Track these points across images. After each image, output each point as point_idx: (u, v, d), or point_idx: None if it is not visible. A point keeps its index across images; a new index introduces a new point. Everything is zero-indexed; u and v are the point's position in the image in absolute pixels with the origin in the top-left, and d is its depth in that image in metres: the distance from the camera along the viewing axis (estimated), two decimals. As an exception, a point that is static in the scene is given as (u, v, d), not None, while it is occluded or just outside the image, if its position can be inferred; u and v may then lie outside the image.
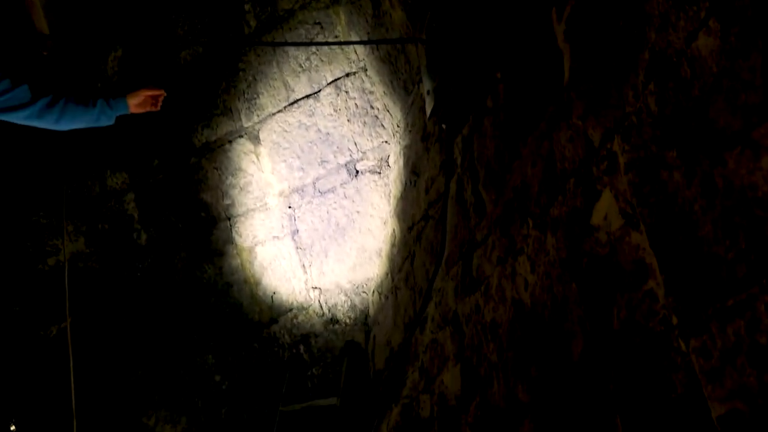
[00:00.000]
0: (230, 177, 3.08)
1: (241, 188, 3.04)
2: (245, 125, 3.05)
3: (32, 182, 3.47)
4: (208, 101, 3.15)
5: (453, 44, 1.79)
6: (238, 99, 3.07)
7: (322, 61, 2.83)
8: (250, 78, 3.03)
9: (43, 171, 3.45)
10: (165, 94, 2.58)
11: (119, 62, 3.39)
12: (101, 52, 3.33)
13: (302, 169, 2.86)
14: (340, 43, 2.58)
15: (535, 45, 1.37)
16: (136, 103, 2.53)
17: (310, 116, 2.84)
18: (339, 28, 2.80)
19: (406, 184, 2.38)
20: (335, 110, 2.78)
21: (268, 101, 2.98)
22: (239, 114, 3.07)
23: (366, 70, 2.66)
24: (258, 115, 3.01)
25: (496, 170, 1.53)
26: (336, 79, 2.79)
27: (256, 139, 3.02)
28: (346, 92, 2.75)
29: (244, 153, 3.04)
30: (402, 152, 2.47)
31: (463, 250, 1.67)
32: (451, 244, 1.79)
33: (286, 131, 2.92)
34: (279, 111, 2.95)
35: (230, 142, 3.09)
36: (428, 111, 1.85)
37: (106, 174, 3.44)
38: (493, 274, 1.46)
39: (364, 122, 2.69)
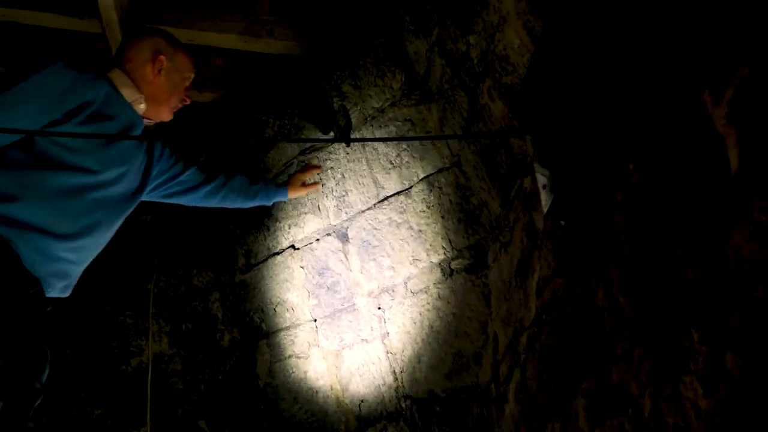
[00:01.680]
0: (317, 276, 2.99)
1: (328, 288, 2.93)
2: (333, 223, 2.99)
3: (121, 280, 3.48)
4: (297, 199, 3.12)
5: (570, 134, 1.66)
6: (327, 197, 3.03)
7: (413, 157, 2.76)
8: (339, 176, 2.99)
9: (131, 269, 3.47)
10: (320, 184, 2.89)
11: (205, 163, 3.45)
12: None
13: (393, 268, 2.72)
14: (438, 137, 2.50)
15: (679, 131, 1.22)
16: (294, 193, 2.87)
17: (401, 213, 2.75)
18: (431, 123, 2.75)
19: (510, 284, 2.19)
20: (428, 207, 2.67)
21: (357, 199, 2.92)
22: (327, 212, 3.01)
23: (460, 165, 2.57)
24: (347, 213, 2.94)
25: (634, 272, 1.34)
26: (428, 175, 2.70)
27: (344, 237, 2.94)
28: (440, 188, 2.65)
29: (332, 251, 2.96)
30: (503, 250, 2.30)
31: (596, 362, 1.46)
32: (577, 354, 1.58)
33: (375, 229, 2.82)
34: (368, 208, 2.87)
35: (317, 240, 3.02)
36: (544, 207, 1.70)
37: (192, 272, 3.42)
38: (644, 394, 1.24)
39: (459, 218, 2.56)
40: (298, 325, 3.00)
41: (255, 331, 3.15)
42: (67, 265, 1.88)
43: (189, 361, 3.23)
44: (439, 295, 2.57)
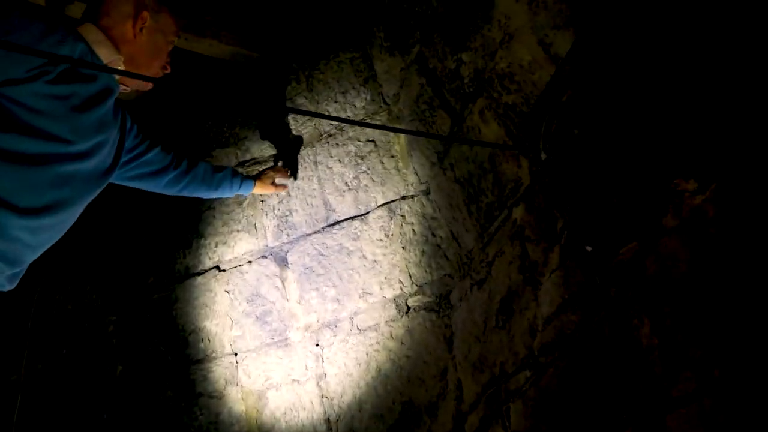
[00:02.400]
0: (244, 303, 2.60)
1: (257, 317, 2.55)
2: (271, 245, 2.64)
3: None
4: (229, 215, 2.75)
5: (602, 156, 1.50)
6: (266, 215, 2.69)
7: (373, 180, 2.52)
8: (284, 193, 2.67)
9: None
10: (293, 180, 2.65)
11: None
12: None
13: (338, 300, 2.41)
14: (423, 134, 2.27)
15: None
16: (262, 189, 2.54)
17: (354, 240, 2.47)
18: (397, 147, 2.53)
19: (485, 325, 1.96)
20: (386, 235, 2.42)
21: (302, 220, 2.61)
22: (265, 232, 2.67)
23: (428, 193, 2.35)
24: (288, 235, 2.62)
25: (700, 305, 1.16)
26: (389, 202, 2.46)
27: (283, 262, 2.60)
28: (402, 216, 2.41)
29: (266, 276, 2.60)
30: (474, 288, 2.08)
31: (637, 410, 1.25)
32: (600, 400, 1.36)
33: (322, 255, 2.51)
34: (315, 232, 2.56)
35: (250, 262, 2.65)
36: (563, 238, 1.52)
37: (86, 287, 2.90)
38: (725, 448, 1.03)
39: (422, 251, 2.32)
40: (214, 358, 2.57)
41: (158, 361, 2.66)
42: (21, 248, 1.52)
43: (69, 392, 2.67)
44: (391, 335, 2.29)
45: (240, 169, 2.80)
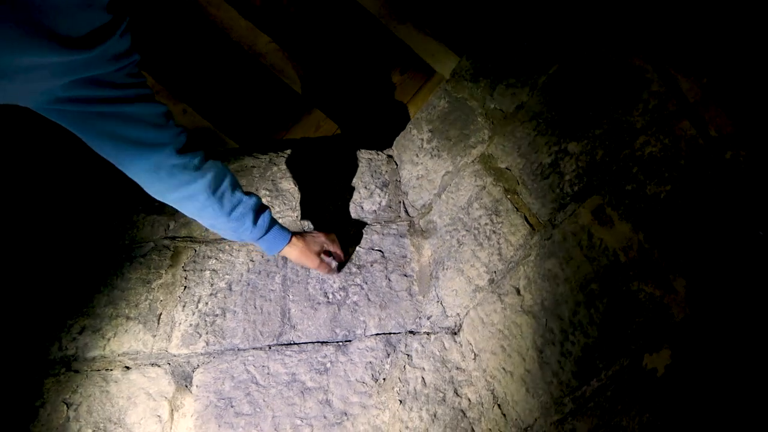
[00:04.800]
0: (90, 431, 1.47)
1: (102, 462, 1.41)
2: (174, 351, 1.62)
3: None
4: (124, 291, 1.75)
5: None
6: (183, 307, 1.71)
7: (368, 300, 1.67)
8: (222, 284, 1.75)
9: None
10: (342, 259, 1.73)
11: None
12: None
13: (262, 465, 1.37)
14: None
15: None
16: (301, 253, 1.60)
17: (319, 374, 1.52)
18: (414, 265, 1.76)
19: None
20: (375, 379, 1.49)
21: (239, 327, 1.65)
22: (171, 329, 1.66)
23: (457, 332, 1.53)
24: (208, 343, 1.62)
25: None
26: (389, 333, 1.59)
27: (184, 380, 1.56)
28: (407, 356, 1.52)
29: (147, 396, 1.52)
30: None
31: None
32: None
33: (257, 384, 1.52)
34: (256, 348, 1.60)
35: (127, 368, 1.59)
36: None
37: None
38: None
39: (434, 415, 1.41)
40: None
41: None
42: None
43: None
44: None
45: (169, 243, 1.89)
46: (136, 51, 1.07)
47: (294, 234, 1.56)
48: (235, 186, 1.39)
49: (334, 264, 1.67)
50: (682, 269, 1.15)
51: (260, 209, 1.47)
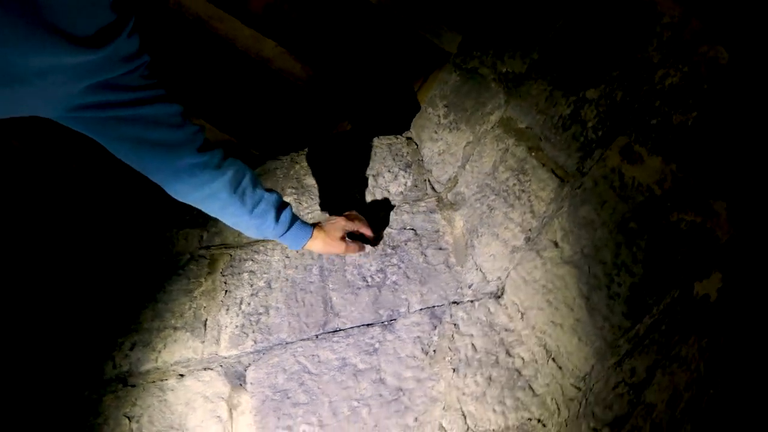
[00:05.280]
0: (153, 441, 1.49)
1: (169, 468, 1.43)
2: (224, 354, 1.64)
3: None
4: (168, 303, 1.78)
5: None
6: (227, 310, 1.73)
7: (407, 277, 1.67)
8: (262, 283, 1.77)
9: None
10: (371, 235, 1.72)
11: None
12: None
13: (327, 451, 1.38)
14: None
15: None
16: (324, 243, 1.59)
17: (369, 354, 1.52)
18: (448, 238, 1.75)
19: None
20: (425, 352, 1.49)
21: (284, 322, 1.66)
22: (219, 334, 1.68)
23: (500, 294, 1.52)
24: (256, 342, 1.64)
25: None
26: (432, 307, 1.58)
27: (238, 379, 1.57)
28: (454, 325, 1.52)
29: (205, 399, 1.54)
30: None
31: None
32: None
33: (309, 373, 1.52)
34: (304, 339, 1.61)
35: (182, 376, 1.61)
36: None
37: None
38: None
39: (489, 378, 1.39)
40: None
41: None
42: None
43: None
44: None
45: (204, 252, 1.92)
46: (145, 52, 1.09)
47: (314, 226, 1.56)
48: (256, 183, 1.40)
49: (363, 247, 1.67)
50: (720, 192, 1.13)
51: (282, 206, 1.47)
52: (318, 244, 1.55)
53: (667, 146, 1.26)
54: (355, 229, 1.65)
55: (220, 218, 1.38)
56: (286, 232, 1.47)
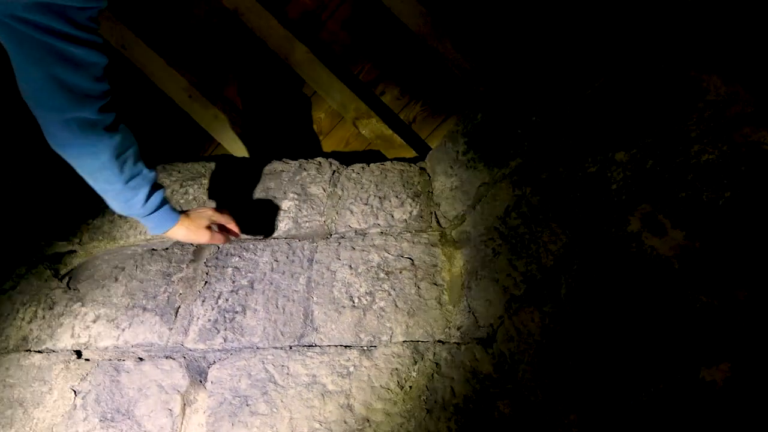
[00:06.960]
0: (95, 420, 1.39)
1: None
2: (189, 345, 1.54)
3: None
4: (143, 282, 1.69)
5: None
6: (202, 302, 1.64)
7: (396, 306, 1.60)
8: (244, 282, 1.69)
9: None
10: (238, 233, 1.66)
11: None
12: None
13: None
14: None
15: None
16: (187, 232, 1.50)
17: (341, 377, 1.43)
18: (445, 275, 1.69)
19: None
20: (400, 386, 1.41)
21: (260, 326, 1.58)
22: (188, 324, 1.59)
23: (491, 343, 1.45)
24: (225, 340, 1.55)
25: None
26: (416, 341, 1.51)
27: (198, 374, 1.48)
28: (436, 365, 1.44)
29: (160, 388, 1.44)
30: None
31: None
32: None
33: (274, 384, 1.43)
34: (275, 347, 1.52)
35: (140, 359, 1.51)
36: None
37: None
38: None
39: (465, 427, 1.31)
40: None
41: None
42: None
43: None
44: None
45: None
46: None
47: (181, 213, 1.49)
48: (139, 157, 1.34)
49: (229, 238, 1.61)
50: (743, 279, 1.07)
51: (156, 186, 1.41)
52: (181, 231, 1.47)
53: (694, 222, 1.21)
54: (222, 222, 1.58)
55: (89, 181, 1.28)
56: (153, 212, 1.39)
